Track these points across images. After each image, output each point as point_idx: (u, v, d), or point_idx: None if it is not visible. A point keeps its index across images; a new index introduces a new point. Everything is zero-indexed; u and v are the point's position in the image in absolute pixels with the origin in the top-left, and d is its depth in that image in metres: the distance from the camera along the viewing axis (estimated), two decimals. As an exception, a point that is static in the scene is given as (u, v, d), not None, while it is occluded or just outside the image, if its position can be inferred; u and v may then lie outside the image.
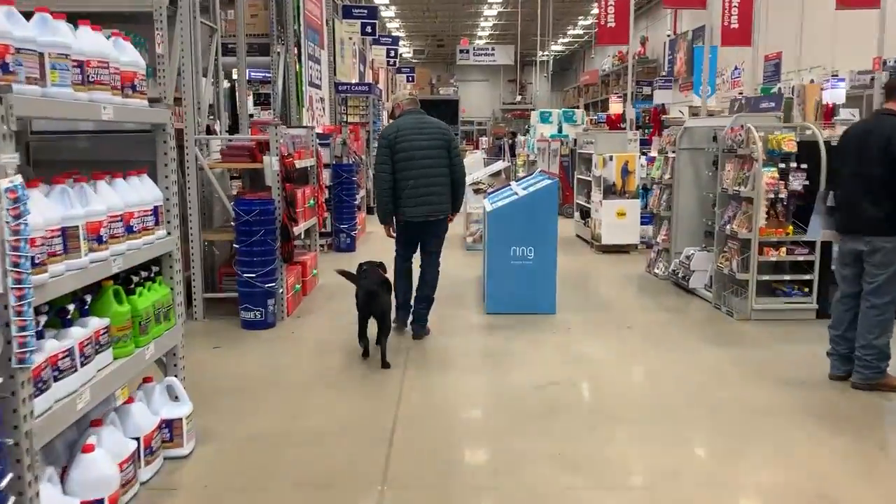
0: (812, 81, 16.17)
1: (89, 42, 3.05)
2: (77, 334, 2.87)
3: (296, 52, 10.52)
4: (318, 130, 11.05)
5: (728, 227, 6.70)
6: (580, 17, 35.20)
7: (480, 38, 41.36)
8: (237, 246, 6.11)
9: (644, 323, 6.52)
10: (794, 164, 6.46)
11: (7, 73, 2.49)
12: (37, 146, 4.68)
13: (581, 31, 39.39)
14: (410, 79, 29.47)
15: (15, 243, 2.37)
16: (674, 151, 8.15)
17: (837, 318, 5.01)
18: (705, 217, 8.01)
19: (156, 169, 3.79)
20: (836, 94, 11.50)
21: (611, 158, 9.89)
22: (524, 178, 8.35)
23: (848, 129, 5.20)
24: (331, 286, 7.99)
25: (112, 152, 3.85)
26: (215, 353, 5.58)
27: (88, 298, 3.05)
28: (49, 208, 2.71)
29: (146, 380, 3.69)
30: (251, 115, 10.83)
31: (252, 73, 10.92)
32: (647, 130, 14.23)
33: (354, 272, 5.74)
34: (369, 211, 14.89)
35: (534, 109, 40.98)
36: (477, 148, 26.78)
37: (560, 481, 3.60)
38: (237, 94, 8.40)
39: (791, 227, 6.48)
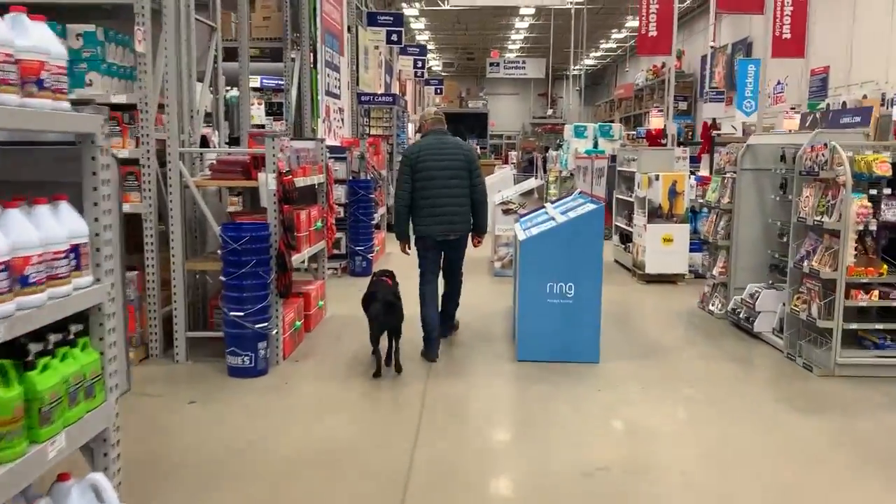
0: (865, 97, 15.07)
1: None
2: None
3: (311, 57, 9.64)
4: (335, 143, 10.17)
5: (806, 263, 5.64)
6: (614, 30, 34.22)
7: (511, 51, 40.50)
8: (223, 278, 5.19)
9: (706, 377, 5.46)
10: (887, 191, 5.40)
11: None
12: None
13: (614, 45, 38.39)
14: (439, 91, 28.66)
15: None
16: (734, 172, 7.10)
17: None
18: (771, 249, 6.95)
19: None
20: (906, 110, 10.34)
21: (657, 178, 8.85)
22: (561, 199, 7.36)
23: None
24: (340, 320, 7.05)
25: (27, 171, 2.97)
26: (189, 411, 4.64)
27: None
28: None
29: (61, 477, 2.74)
30: (262, 126, 9.98)
31: (264, 81, 10.09)
32: (687, 146, 13.19)
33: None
34: (389, 228, 14.01)
35: (564, 123, 40.25)
36: (506, 162, 25.79)
37: None
38: (241, 101, 7.52)
39: (885, 267, 5.41)
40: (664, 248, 8.86)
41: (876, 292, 5.40)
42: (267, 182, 5.32)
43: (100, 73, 5.40)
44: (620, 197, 10.56)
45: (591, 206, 5.70)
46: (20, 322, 2.31)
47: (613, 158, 14.32)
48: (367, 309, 5.51)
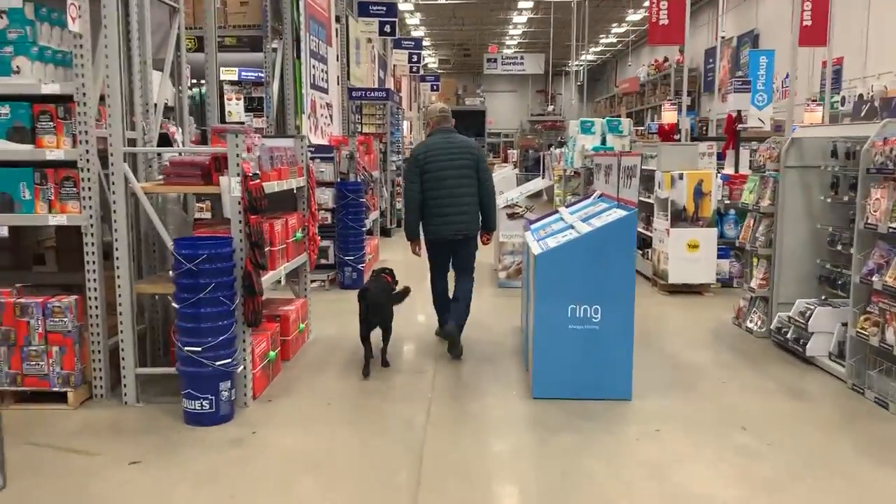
0: (885, 88, 14.23)
1: None
2: None
3: (295, 47, 8.71)
4: (322, 141, 9.24)
5: (877, 278, 4.72)
6: (614, 24, 33.34)
7: (509, 46, 39.61)
8: (176, 305, 4.26)
9: (761, 417, 4.53)
10: (974, 191, 4.51)
11: None
12: None
13: (614, 39, 37.52)
14: (435, 87, 27.72)
15: None
16: (776, 170, 6.19)
17: None
18: (820, 258, 6.05)
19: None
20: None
21: (681, 177, 7.93)
22: (577, 202, 6.44)
23: None
24: (326, 343, 6.13)
25: None
26: (127, 477, 3.70)
27: None
28: None
29: None
30: (241, 123, 9.05)
31: (243, 73, 9.15)
32: (701, 142, 12.28)
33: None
34: (384, 233, 13.08)
35: (563, 120, 39.34)
36: (506, 161, 24.84)
37: None
38: (208, 94, 6.57)
39: (977, 283, 4.50)
40: (689, 255, 7.94)
41: (965, 314, 4.50)
42: (230, 188, 4.39)
43: (29, 59, 4.49)
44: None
45: (619, 213, 4.78)
46: None
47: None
48: (359, 304, 5.45)
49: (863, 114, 7.43)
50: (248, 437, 4.16)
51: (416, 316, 7.01)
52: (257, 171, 4.68)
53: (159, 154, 5.21)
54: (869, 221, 4.84)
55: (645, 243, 8.93)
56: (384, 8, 13.94)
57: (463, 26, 33.31)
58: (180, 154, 5.02)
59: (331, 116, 9.94)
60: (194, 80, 9.07)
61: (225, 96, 9.08)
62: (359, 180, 8.61)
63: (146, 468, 3.77)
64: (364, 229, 8.52)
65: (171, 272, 4.31)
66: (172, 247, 4.28)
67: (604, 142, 14.15)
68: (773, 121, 12.03)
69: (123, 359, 4.58)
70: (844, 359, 5.11)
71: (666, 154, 8.44)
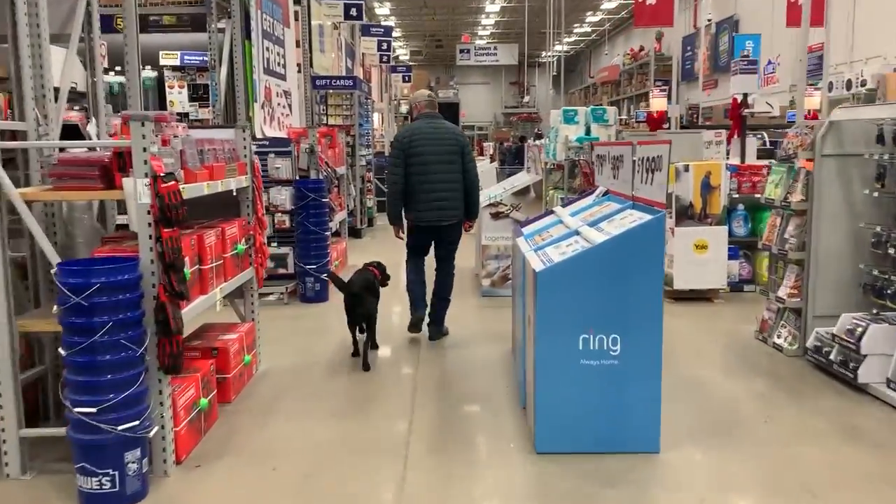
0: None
1: None
2: None
3: (245, 26, 7.61)
4: (279, 134, 8.16)
5: (960, 292, 3.80)
6: (588, 13, 32.47)
7: (482, 37, 38.59)
8: (63, 352, 3.18)
9: (830, 476, 3.57)
10: None
11: None
12: None
13: (589, 29, 36.68)
14: (407, 79, 26.62)
15: None
16: (809, 159, 5.25)
17: None
18: (864, 262, 5.13)
19: None
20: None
21: (686, 169, 6.99)
22: (575, 201, 5.45)
23: None
24: (280, 375, 5.08)
25: None
26: None
27: None
28: None
29: None
30: (185, 115, 7.94)
31: (186, 58, 8.03)
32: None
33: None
34: (354, 234, 12.03)
35: (537, 112, 38.43)
36: (481, 154, 23.81)
37: None
38: (129, 79, 5.42)
39: None
40: (697, 256, 7.00)
41: None
42: (136, 192, 3.32)
43: None
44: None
45: (640, 216, 3.79)
46: None
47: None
48: (343, 297, 5.44)
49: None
50: (163, 527, 3.12)
51: (393, 332, 6.00)
52: (176, 171, 3.62)
53: (63, 150, 4.13)
54: (947, 222, 3.91)
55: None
56: (349, -11, 12.86)
57: (435, 16, 32.22)
58: (63, 150, 3.93)
59: (290, 106, 8.86)
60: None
61: (166, 84, 7.96)
62: (321, 178, 7.55)
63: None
64: (327, 233, 7.46)
65: (55, 308, 3.23)
66: (55, 273, 3.21)
67: (588, 132, 13.19)
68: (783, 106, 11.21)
69: (2, 418, 3.50)
70: (910, 388, 4.19)
71: (667, 143, 7.50)
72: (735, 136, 8.14)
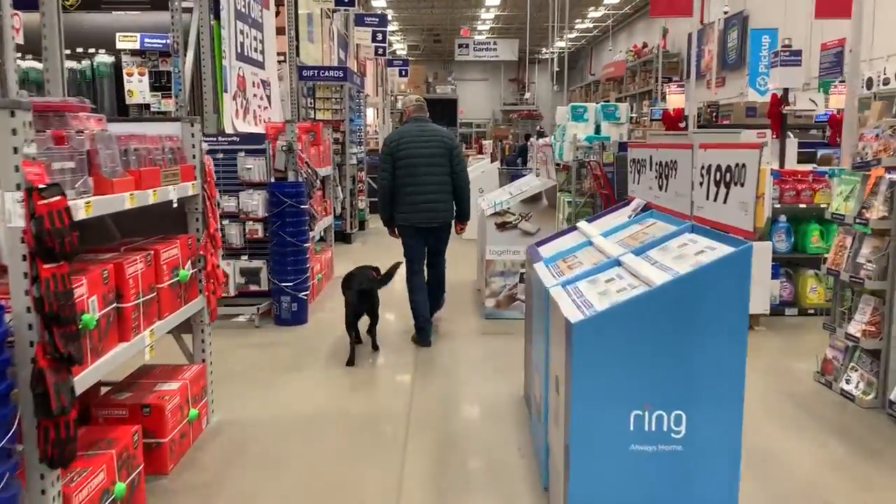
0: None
1: None
2: None
3: (212, 5, 6.58)
4: (255, 128, 7.14)
5: None
6: (591, 8, 31.45)
7: (481, 32, 37.54)
8: None
9: None
10: None
11: None
12: None
13: (591, 25, 35.67)
14: (403, 73, 25.58)
15: None
16: (893, 166, 4.25)
17: None
18: (963, 295, 4.13)
19: None
20: None
21: (725, 175, 5.99)
22: (604, 213, 4.45)
23: None
24: (236, 429, 4.06)
25: None
26: None
27: None
28: None
29: None
30: (146, 107, 6.92)
31: (147, 41, 7.00)
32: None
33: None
34: (344, 238, 11.04)
35: (537, 110, 37.40)
36: (481, 152, 22.71)
37: None
38: (48, 64, 4.36)
39: None
40: (737, 277, 5.99)
41: None
42: (3, 212, 2.31)
43: None
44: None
45: (713, 247, 2.78)
46: None
47: (624, 147, 11.45)
48: (344, 293, 5.56)
49: None
50: None
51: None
52: (72, 180, 2.60)
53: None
54: None
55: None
56: (340, -27, 11.82)
57: (433, 8, 31.18)
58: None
59: (268, 97, 7.83)
60: (92, 49, 6.92)
61: (124, 70, 6.93)
62: (300, 180, 6.53)
63: None
64: (306, 244, 6.44)
65: None
66: None
67: (598, 130, 12.19)
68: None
69: None
70: None
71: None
72: (774, 137, 7.13)
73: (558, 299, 2.99)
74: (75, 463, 2.63)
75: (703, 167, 3.14)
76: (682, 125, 11.33)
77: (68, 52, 6.72)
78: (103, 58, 6.79)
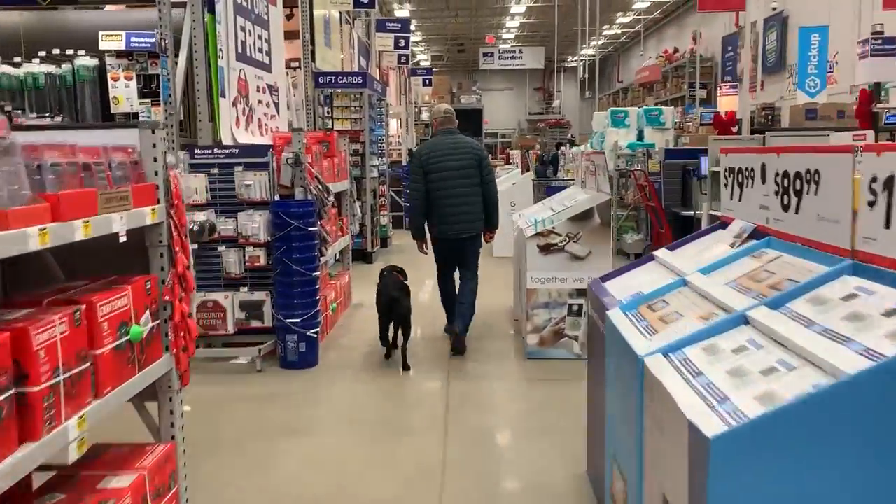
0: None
1: None
2: None
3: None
4: (261, 139, 6.25)
5: None
6: (619, 14, 30.46)
7: (506, 41, 36.69)
8: None
9: None
10: None
11: None
12: None
13: (619, 31, 34.66)
14: (427, 82, 24.73)
15: None
16: None
17: None
18: None
19: None
20: None
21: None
22: (690, 238, 3.44)
23: None
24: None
25: None
26: None
27: None
28: None
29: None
30: (134, 116, 6.06)
31: (134, 41, 6.14)
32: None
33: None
34: (364, 258, 10.13)
35: (564, 118, 36.38)
36: (508, 162, 21.68)
37: None
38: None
39: None
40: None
41: None
42: None
43: None
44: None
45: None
46: None
47: (669, 154, 10.55)
48: (377, 303, 5.53)
49: None
50: None
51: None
52: None
53: None
54: None
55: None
56: (359, -28, 10.96)
57: (457, 17, 30.37)
58: None
59: (276, 104, 6.93)
60: (69, 52, 6.08)
61: (108, 75, 6.07)
62: (309, 197, 5.60)
63: None
64: (315, 273, 5.49)
65: None
66: None
67: (640, 137, 11.22)
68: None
69: None
70: None
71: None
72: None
73: (666, 381, 1.99)
74: None
75: (867, 179, 2.13)
76: (735, 129, 10.29)
77: (44, 54, 5.88)
78: (85, 60, 5.93)
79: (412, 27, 28.32)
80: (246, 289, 5.50)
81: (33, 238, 2.11)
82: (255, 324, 5.53)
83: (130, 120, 6.11)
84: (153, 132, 3.02)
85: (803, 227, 2.52)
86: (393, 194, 13.22)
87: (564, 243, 5.45)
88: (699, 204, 9.85)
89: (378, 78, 14.88)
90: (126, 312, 2.67)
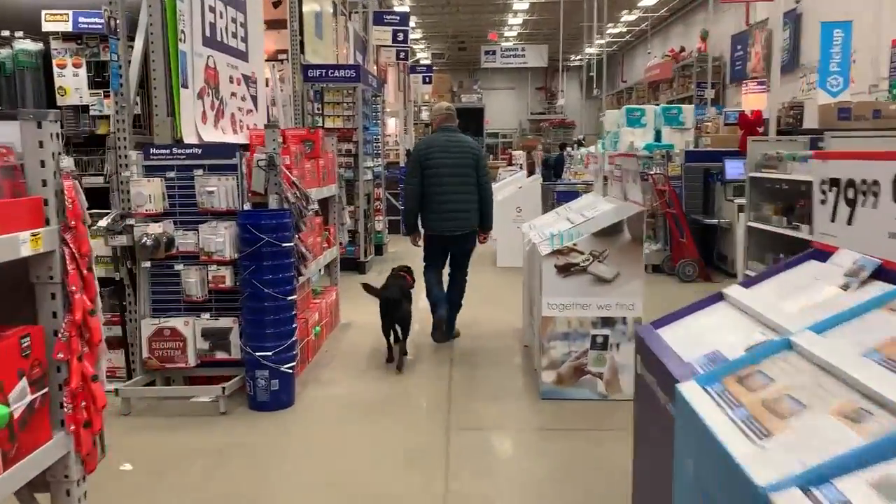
0: None
1: None
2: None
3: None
4: (234, 137, 5.40)
5: None
6: (624, 12, 29.62)
7: (508, 38, 35.83)
8: None
9: None
10: None
11: None
12: None
13: (624, 29, 33.80)
14: (427, 80, 23.83)
15: None
16: None
17: None
18: None
19: None
20: None
21: None
22: (778, 272, 2.58)
23: None
24: None
25: None
26: None
27: None
28: None
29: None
30: (84, 109, 5.20)
31: (82, 21, 5.27)
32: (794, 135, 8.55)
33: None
34: (357, 268, 9.29)
35: (566, 118, 35.55)
36: (511, 163, 20.75)
37: None
38: None
39: None
40: None
41: None
42: None
43: None
44: (753, 225, 5.90)
45: None
46: None
47: (686, 157, 9.78)
48: (379, 304, 5.53)
49: None
50: None
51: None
52: None
53: None
54: None
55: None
56: (354, -42, 10.08)
57: (459, 11, 29.50)
58: None
59: (254, 98, 6.07)
60: (6, 33, 5.21)
61: (54, 61, 5.20)
62: (285, 207, 4.73)
63: None
64: (291, 297, 4.62)
65: None
66: None
67: (658, 137, 10.36)
68: None
69: None
70: None
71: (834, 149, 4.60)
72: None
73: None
74: None
75: None
76: (760, 129, 9.46)
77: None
78: (26, 44, 5.07)
79: (412, 24, 27.46)
80: (209, 314, 4.64)
81: None
82: (220, 355, 4.67)
83: (80, 114, 5.24)
84: (39, 126, 2.16)
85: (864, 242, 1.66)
86: (390, 197, 12.37)
87: (587, 263, 4.59)
88: (722, 211, 9.01)
89: (375, 74, 14.02)
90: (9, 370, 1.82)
